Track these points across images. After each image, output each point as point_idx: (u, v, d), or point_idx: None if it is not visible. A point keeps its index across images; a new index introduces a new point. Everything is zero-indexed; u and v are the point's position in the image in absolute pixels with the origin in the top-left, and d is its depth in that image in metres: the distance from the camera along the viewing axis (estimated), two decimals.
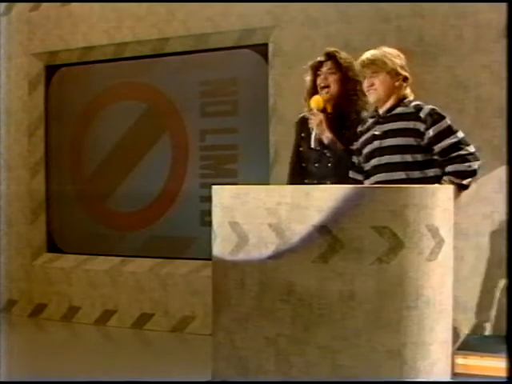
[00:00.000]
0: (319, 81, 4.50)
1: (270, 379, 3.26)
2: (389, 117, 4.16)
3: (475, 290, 5.58)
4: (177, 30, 6.89)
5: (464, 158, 4.06)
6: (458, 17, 5.71)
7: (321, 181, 4.37)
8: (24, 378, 5.29)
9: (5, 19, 7.72)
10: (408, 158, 4.06)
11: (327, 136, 4.38)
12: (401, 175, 4.05)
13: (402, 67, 4.20)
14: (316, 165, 4.45)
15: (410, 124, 4.09)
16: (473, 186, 5.56)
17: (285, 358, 3.23)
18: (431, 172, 4.11)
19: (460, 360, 4.86)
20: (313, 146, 4.40)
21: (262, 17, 6.47)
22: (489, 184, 5.53)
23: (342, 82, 4.47)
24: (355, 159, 4.33)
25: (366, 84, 4.20)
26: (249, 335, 3.31)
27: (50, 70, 7.66)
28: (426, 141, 4.06)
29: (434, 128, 4.08)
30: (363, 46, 5.88)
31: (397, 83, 4.17)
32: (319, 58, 4.56)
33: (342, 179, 4.32)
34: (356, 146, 4.31)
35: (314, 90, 4.56)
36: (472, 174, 4.07)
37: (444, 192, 3.40)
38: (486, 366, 4.95)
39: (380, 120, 4.18)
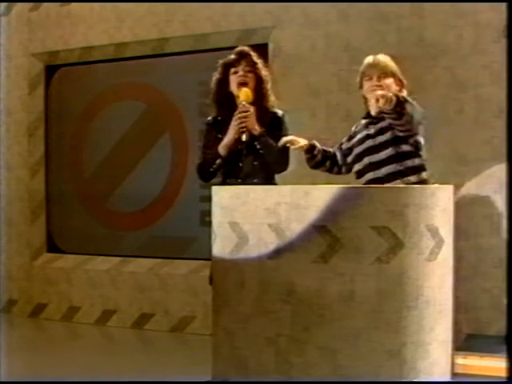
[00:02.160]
0: (237, 79, 4.41)
1: (270, 379, 3.26)
2: (381, 116, 4.18)
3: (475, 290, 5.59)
4: (177, 30, 6.89)
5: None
6: (458, 17, 5.71)
7: (246, 179, 4.32)
8: (24, 378, 5.28)
9: (5, 19, 7.73)
10: (398, 149, 4.11)
11: (256, 129, 4.34)
12: (394, 167, 4.09)
13: (400, 74, 4.26)
14: (239, 164, 4.38)
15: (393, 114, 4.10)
16: (472, 187, 5.60)
17: (285, 358, 3.23)
18: (417, 161, 4.14)
19: (460, 360, 4.86)
20: (244, 139, 4.31)
21: (262, 17, 6.47)
22: (489, 184, 5.53)
23: (258, 80, 4.44)
24: (339, 155, 4.39)
25: (370, 84, 4.22)
26: (249, 335, 3.31)
27: (50, 70, 7.66)
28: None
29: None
30: (363, 46, 5.91)
31: (397, 88, 4.20)
32: (233, 56, 4.48)
33: (270, 177, 4.36)
34: (346, 145, 4.34)
35: (221, 89, 4.48)
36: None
37: (444, 192, 3.40)
38: (486, 366, 4.95)
39: (374, 120, 4.22)
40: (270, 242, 3.25)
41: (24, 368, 5.66)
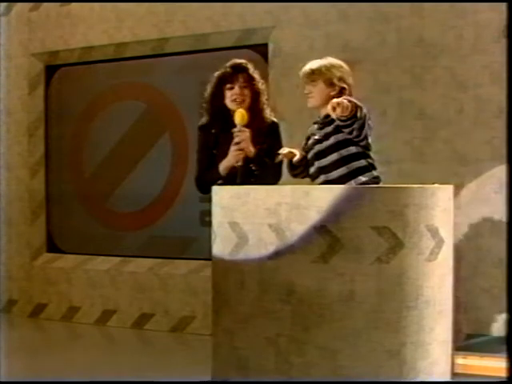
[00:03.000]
0: (233, 95, 4.33)
1: (270, 379, 3.26)
2: (328, 121, 4.21)
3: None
4: (177, 30, 6.89)
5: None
6: (458, 17, 5.71)
7: None
8: (24, 378, 5.29)
9: (5, 19, 7.73)
10: (342, 153, 4.16)
11: (251, 150, 4.30)
12: (344, 170, 4.15)
13: (340, 79, 4.27)
14: (237, 181, 4.31)
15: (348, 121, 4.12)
16: (472, 187, 5.60)
17: (285, 358, 3.23)
18: (364, 162, 4.19)
19: (460, 360, 4.86)
20: (240, 163, 4.28)
21: (262, 17, 6.47)
22: (489, 184, 5.54)
23: (255, 95, 4.38)
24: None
25: (305, 91, 4.30)
26: (249, 335, 3.31)
27: (50, 70, 7.66)
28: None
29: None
30: (363, 46, 5.91)
31: (332, 93, 4.22)
32: (228, 70, 4.38)
33: None
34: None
35: (215, 101, 4.42)
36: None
37: (444, 192, 3.40)
38: (486, 366, 4.96)
39: (320, 126, 4.29)
40: (270, 243, 3.25)
41: (24, 368, 5.67)
